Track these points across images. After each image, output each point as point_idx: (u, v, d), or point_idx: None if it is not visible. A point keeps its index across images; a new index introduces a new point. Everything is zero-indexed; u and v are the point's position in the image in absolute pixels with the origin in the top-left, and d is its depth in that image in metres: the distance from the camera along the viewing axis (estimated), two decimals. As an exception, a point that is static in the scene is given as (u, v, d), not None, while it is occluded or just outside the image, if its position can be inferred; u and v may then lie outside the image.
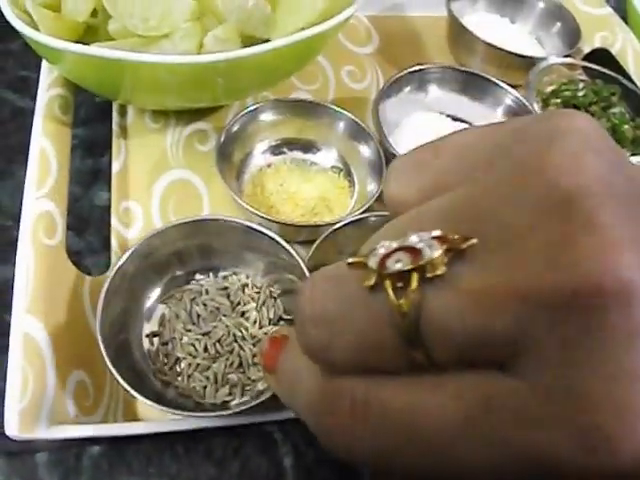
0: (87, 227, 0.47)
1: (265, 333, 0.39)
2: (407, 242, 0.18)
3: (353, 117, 0.49)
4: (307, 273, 0.37)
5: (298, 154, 0.51)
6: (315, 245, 0.40)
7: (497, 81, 0.54)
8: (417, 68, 0.55)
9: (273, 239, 0.39)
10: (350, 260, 0.20)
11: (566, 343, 0.16)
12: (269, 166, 0.50)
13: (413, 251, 0.18)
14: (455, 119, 0.56)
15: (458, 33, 0.60)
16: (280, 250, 0.39)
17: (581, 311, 0.16)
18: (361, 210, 0.43)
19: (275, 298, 0.41)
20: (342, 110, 0.49)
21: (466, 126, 0.55)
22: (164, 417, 0.34)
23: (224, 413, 0.33)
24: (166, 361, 0.38)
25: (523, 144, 0.19)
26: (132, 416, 0.37)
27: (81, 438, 0.34)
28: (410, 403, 0.19)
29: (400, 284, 0.18)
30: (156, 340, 0.39)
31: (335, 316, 0.20)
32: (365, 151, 0.49)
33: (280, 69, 0.43)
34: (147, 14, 0.38)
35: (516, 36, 0.63)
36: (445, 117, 0.56)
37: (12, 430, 0.31)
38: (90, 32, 0.43)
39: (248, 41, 0.41)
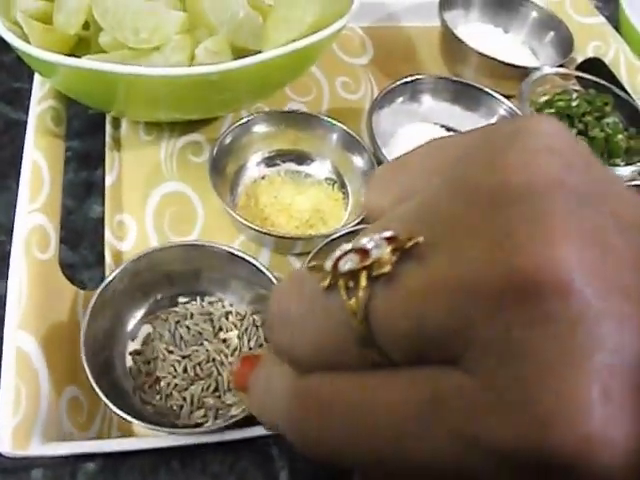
0: (81, 241, 0.47)
1: None
2: (359, 244, 0.19)
3: (347, 129, 0.49)
4: None
5: (292, 166, 0.51)
6: (309, 257, 0.40)
7: (490, 91, 0.54)
8: (410, 79, 0.55)
9: (256, 267, 0.39)
10: (311, 264, 0.21)
11: (508, 334, 0.16)
12: (263, 178, 0.50)
13: (363, 252, 0.19)
14: (449, 129, 0.56)
15: (451, 43, 0.60)
16: (263, 279, 0.39)
17: (521, 302, 0.16)
18: (355, 222, 0.43)
19: (257, 327, 0.41)
20: (336, 122, 0.49)
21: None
22: (158, 432, 0.34)
23: (213, 428, 0.34)
24: (147, 379, 0.38)
25: (485, 146, 0.19)
26: (126, 432, 0.37)
27: (76, 454, 0.33)
28: (365, 398, 0.19)
29: (352, 284, 0.19)
30: (139, 358, 0.39)
31: (296, 316, 0.21)
32: (359, 163, 0.49)
33: (272, 81, 0.43)
34: (138, 26, 0.37)
35: (509, 46, 0.63)
36: (439, 127, 0.56)
37: (5, 447, 0.30)
38: (82, 44, 0.43)
39: (239, 53, 0.40)
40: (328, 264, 0.20)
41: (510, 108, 0.53)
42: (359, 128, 0.53)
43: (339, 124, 0.49)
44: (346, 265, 0.19)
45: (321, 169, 0.51)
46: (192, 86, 0.39)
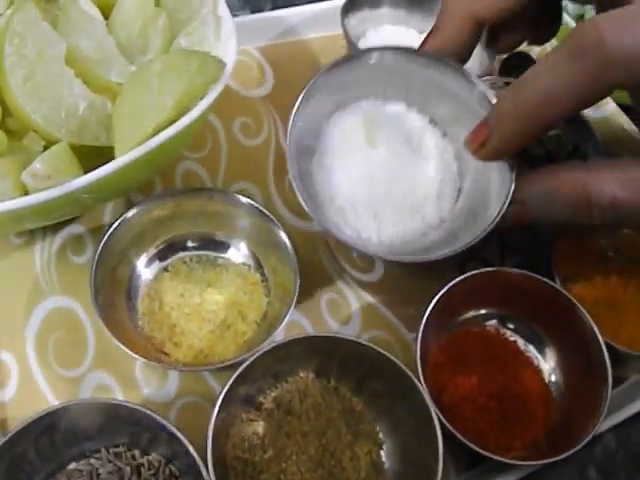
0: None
1: None
2: None
3: (253, 202, 0.41)
4: (191, 449, 0.31)
5: (198, 251, 0.43)
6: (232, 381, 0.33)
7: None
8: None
9: (159, 421, 0.32)
10: None
11: None
12: (166, 269, 0.42)
13: None
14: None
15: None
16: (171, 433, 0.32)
17: None
18: (269, 339, 0.36)
19: (176, 477, 0.34)
20: (241, 196, 0.41)
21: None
22: None
23: None
24: None
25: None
26: None
27: None
28: None
29: None
30: None
31: None
32: (272, 238, 0.41)
33: (140, 173, 0.35)
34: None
35: (427, 50, 0.55)
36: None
37: None
38: None
39: (94, 153, 0.32)
40: None
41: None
42: (265, 184, 0.47)
43: (244, 198, 0.41)
44: None
45: (232, 250, 0.43)
46: (35, 211, 0.31)
